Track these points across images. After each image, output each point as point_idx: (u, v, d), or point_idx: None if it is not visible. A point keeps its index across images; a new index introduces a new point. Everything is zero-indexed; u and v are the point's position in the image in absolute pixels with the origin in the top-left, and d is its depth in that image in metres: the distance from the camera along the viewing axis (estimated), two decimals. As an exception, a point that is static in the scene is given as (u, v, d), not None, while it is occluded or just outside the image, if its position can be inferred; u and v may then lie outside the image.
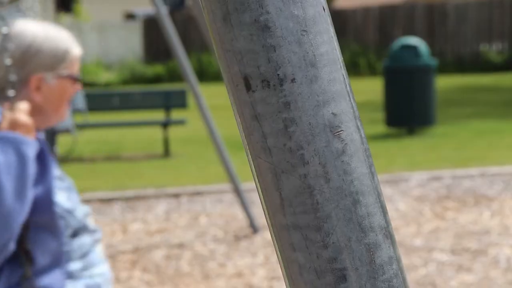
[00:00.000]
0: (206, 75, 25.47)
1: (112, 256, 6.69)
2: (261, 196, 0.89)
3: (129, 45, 30.55)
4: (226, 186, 8.50)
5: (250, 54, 0.85)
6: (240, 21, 0.85)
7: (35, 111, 2.90)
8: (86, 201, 8.92)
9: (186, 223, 7.79)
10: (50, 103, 3.12)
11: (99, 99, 13.50)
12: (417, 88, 13.45)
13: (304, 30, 0.85)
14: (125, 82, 27.86)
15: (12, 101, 3.00)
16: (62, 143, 10.09)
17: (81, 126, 12.53)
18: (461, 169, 9.91)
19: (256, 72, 0.84)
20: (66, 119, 9.16)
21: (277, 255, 0.90)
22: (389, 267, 0.87)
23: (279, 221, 0.86)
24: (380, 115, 14.34)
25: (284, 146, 0.83)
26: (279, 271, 6.04)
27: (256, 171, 0.88)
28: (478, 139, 12.71)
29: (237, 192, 7.21)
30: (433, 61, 14.16)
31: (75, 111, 11.35)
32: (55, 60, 3.05)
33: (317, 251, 0.84)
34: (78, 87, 3.33)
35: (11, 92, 2.90)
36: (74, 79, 3.17)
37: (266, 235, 7.04)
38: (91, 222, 3.29)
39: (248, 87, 0.85)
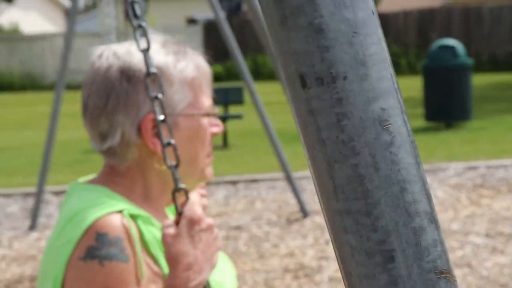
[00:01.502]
0: (260, 74, 25.52)
1: (176, 238, 6.72)
2: (316, 184, 0.89)
3: (190, 46, 30.62)
4: (279, 174, 8.51)
5: (306, 54, 0.85)
6: (296, 24, 0.85)
7: None
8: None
9: (242, 207, 7.81)
10: None
11: (164, 96, 13.52)
12: (454, 85, 13.43)
13: (355, 32, 0.85)
14: (187, 80, 27.91)
15: None
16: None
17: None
18: (495, 160, 9.82)
19: (311, 71, 0.84)
20: None
21: (330, 237, 0.89)
22: (434, 249, 0.86)
23: (332, 207, 0.86)
24: (420, 110, 14.29)
25: (337, 138, 0.83)
26: (327, 252, 6.04)
27: (311, 161, 0.88)
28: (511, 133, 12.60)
29: (289, 180, 7.21)
30: (469, 61, 14.13)
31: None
32: None
33: (367, 234, 0.83)
34: None
35: None
36: None
37: (315, 219, 7.04)
38: None
39: (303, 84, 0.85)
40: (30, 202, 8.15)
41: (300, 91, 0.85)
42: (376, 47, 0.86)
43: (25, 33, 34.83)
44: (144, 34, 1.77)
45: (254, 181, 9.16)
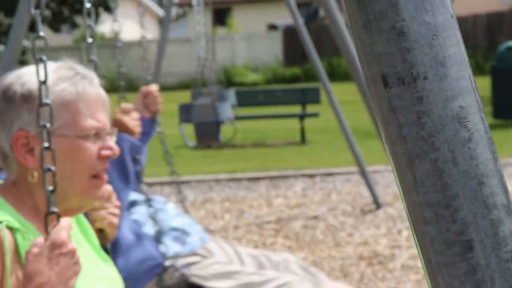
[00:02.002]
0: (336, 75, 25.41)
1: (259, 225, 6.76)
2: (397, 178, 0.88)
3: (271, 51, 30.75)
4: (353, 168, 8.45)
5: (388, 56, 0.84)
6: (379, 28, 0.84)
7: None
8: (237, 180, 9.05)
9: (319, 199, 7.79)
10: None
11: (247, 96, 13.61)
12: None
13: (435, 35, 0.83)
14: (268, 82, 28.08)
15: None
16: (225, 132, 10.30)
17: (236, 118, 12.68)
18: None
19: (392, 71, 0.83)
20: (227, 112, 9.22)
21: (410, 228, 0.88)
22: (511, 240, 0.84)
23: (413, 199, 0.85)
24: (488, 108, 14.08)
25: (417, 135, 0.82)
26: (399, 241, 5.98)
27: (392, 156, 0.87)
28: None
29: (363, 173, 7.17)
30: None
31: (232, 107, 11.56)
32: None
33: (446, 225, 0.82)
34: None
35: None
36: None
37: (387, 210, 6.98)
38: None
39: (385, 84, 0.84)
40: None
41: (382, 91, 0.84)
42: (455, 48, 0.85)
43: (124, 40, 35.41)
44: (44, 67, 1.70)
45: (330, 174, 9.12)
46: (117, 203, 2.20)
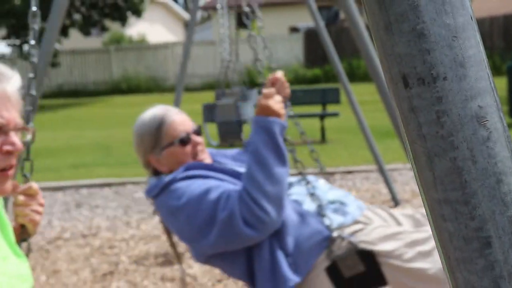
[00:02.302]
0: (355, 76, 25.41)
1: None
2: (416, 175, 0.88)
3: (293, 52, 30.80)
4: (372, 166, 8.43)
5: (408, 57, 0.83)
6: (400, 30, 0.83)
7: None
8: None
9: (339, 196, 7.78)
10: None
11: (270, 96, 13.62)
12: None
13: (455, 36, 0.83)
14: (290, 82, 28.00)
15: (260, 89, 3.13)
16: (247, 131, 10.34)
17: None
18: None
19: (413, 72, 0.83)
20: (250, 111, 9.26)
21: (429, 224, 0.88)
22: (529, 237, 0.83)
23: (432, 196, 0.84)
24: (504, 108, 14.03)
25: (436, 134, 0.81)
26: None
27: (412, 155, 0.87)
28: None
29: (381, 171, 7.15)
30: None
31: (255, 106, 11.57)
32: None
33: (465, 222, 0.81)
34: None
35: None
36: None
37: (405, 207, 6.96)
38: None
39: (406, 84, 0.83)
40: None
41: (402, 91, 0.84)
42: (475, 49, 0.85)
43: (151, 42, 35.55)
44: None
45: (350, 172, 9.12)
46: (42, 201, 2.17)
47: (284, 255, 2.82)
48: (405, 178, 8.31)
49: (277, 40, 31.28)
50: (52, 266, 5.72)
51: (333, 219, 2.91)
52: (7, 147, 1.81)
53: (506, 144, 0.84)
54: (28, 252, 2.17)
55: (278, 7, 38.59)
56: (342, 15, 29.61)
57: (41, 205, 2.15)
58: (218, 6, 7.77)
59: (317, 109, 13.35)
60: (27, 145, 1.96)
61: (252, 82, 24.36)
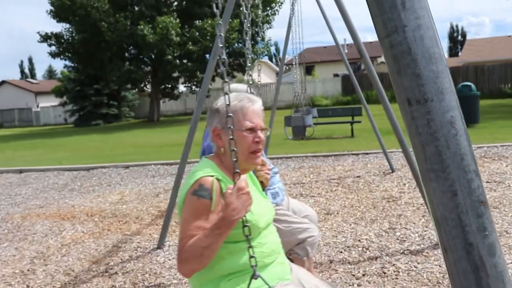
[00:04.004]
0: (370, 100, 24.67)
1: (329, 181, 6.74)
2: (416, 156, 0.87)
3: (335, 88, 30.43)
4: (380, 150, 8.22)
5: (410, 88, 0.84)
6: (406, 73, 0.84)
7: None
8: (316, 157, 8.95)
9: (361, 167, 7.67)
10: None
11: (322, 112, 13.46)
12: (470, 105, 12.40)
13: (437, 76, 0.83)
14: (333, 104, 27.78)
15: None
16: (309, 131, 10.33)
17: (315, 124, 12.65)
18: (492, 143, 8.94)
19: (413, 97, 0.84)
20: (310, 120, 9.02)
21: (421, 183, 0.88)
22: (478, 190, 0.83)
23: (424, 167, 0.85)
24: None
25: (427, 132, 0.83)
26: (404, 189, 5.69)
27: (413, 145, 0.88)
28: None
29: (384, 153, 7.01)
30: (477, 93, 12.96)
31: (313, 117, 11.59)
32: None
33: (442, 182, 0.81)
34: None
35: None
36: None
37: (398, 173, 6.75)
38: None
39: (409, 103, 0.84)
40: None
41: (407, 107, 0.85)
42: (448, 84, 0.85)
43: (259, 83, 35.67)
44: (228, 97, 1.73)
45: (367, 154, 9.00)
46: (269, 167, 2.26)
47: None
48: (398, 157, 8.12)
49: (327, 81, 31.09)
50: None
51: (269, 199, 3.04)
52: (256, 139, 1.85)
53: (466, 137, 0.84)
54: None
55: (328, 63, 38.39)
56: (363, 67, 29.14)
57: (268, 170, 2.24)
58: (294, 63, 7.91)
59: (348, 118, 13.22)
60: (266, 138, 1.98)
61: (313, 104, 24.13)
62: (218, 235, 1.63)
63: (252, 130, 1.85)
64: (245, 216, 1.66)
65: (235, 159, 1.67)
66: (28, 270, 4.17)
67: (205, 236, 1.64)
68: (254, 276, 1.64)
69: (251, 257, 1.63)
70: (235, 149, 1.67)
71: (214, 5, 1.79)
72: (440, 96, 0.82)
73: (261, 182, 2.17)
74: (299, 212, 3.21)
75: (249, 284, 1.65)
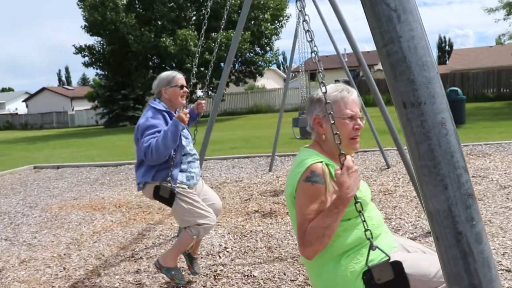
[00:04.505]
0: (368, 103, 24.50)
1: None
2: (410, 152, 0.86)
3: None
4: (376, 148, 8.14)
5: (405, 92, 0.83)
6: (402, 78, 0.83)
7: None
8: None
9: (360, 163, 7.60)
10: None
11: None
12: (456, 108, 12.15)
13: (429, 82, 0.82)
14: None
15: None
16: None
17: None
18: (477, 141, 8.80)
19: (408, 100, 0.83)
20: None
21: (415, 178, 0.87)
22: (467, 183, 0.82)
23: (417, 163, 0.84)
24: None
25: (420, 131, 0.81)
26: (398, 184, 5.65)
27: (407, 143, 0.87)
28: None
29: (381, 150, 6.94)
30: (463, 97, 12.73)
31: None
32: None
33: (434, 176, 0.81)
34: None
35: None
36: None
37: (393, 169, 6.68)
38: (192, 150, 3.16)
39: (405, 106, 0.83)
40: (269, 159, 8.37)
41: (403, 110, 0.84)
42: (439, 89, 0.84)
43: (268, 88, 35.70)
44: (324, 87, 1.69)
45: (365, 151, 8.88)
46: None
47: (156, 169, 2.98)
48: (393, 154, 8.03)
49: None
50: (220, 195, 5.89)
51: (181, 177, 3.04)
52: (356, 126, 1.81)
53: (455, 136, 0.83)
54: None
55: (330, 70, 38.27)
56: (361, 73, 29.01)
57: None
58: (300, 70, 7.89)
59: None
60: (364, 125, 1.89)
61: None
62: (337, 213, 1.59)
63: (352, 118, 1.81)
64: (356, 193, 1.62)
65: (339, 142, 1.60)
66: (65, 254, 4.20)
67: (324, 216, 1.60)
68: (372, 248, 1.57)
69: (366, 230, 1.57)
70: (337, 132, 1.61)
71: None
72: (432, 99, 0.82)
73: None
74: (208, 199, 3.25)
75: (367, 256, 1.59)
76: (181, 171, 3.04)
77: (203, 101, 3.38)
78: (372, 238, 1.57)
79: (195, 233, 3.00)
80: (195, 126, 3.57)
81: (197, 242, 3.25)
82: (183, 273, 3.35)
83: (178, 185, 2.99)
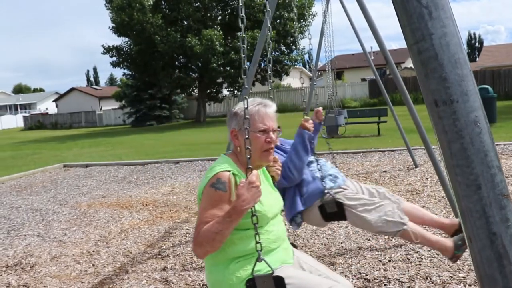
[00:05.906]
0: (395, 102, 24.06)
1: (357, 175, 6.62)
2: (441, 152, 0.85)
3: (363, 91, 29.90)
4: (404, 147, 8.02)
5: (437, 90, 0.82)
6: (433, 76, 0.82)
7: None
8: (346, 153, 8.82)
9: (387, 162, 7.51)
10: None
11: (352, 113, 13.29)
12: (487, 106, 11.90)
13: (462, 80, 0.81)
14: (362, 106, 27.30)
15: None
16: (340, 130, 10.18)
17: (345, 124, 12.43)
18: (509, 141, 8.59)
19: (440, 98, 0.82)
20: (342, 120, 8.89)
21: (447, 177, 0.85)
22: (501, 184, 0.80)
23: (449, 163, 0.82)
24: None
25: (453, 130, 0.80)
26: (426, 183, 5.56)
27: (439, 142, 0.85)
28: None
29: (409, 150, 6.84)
30: (495, 94, 12.43)
31: (344, 118, 11.42)
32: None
33: (467, 176, 0.79)
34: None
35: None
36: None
37: (421, 168, 6.57)
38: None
39: (436, 104, 0.82)
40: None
41: (434, 108, 0.83)
42: (472, 86, 0.83)
43: (294, 87, 35.60)
44: (246, 102, 1.70)
45: (392, 151, 8.81)
46: (280, 164, 2.22)
47: (299, 195, 2.82)
48: (420, 153, 7.91)
49: (356, 85, 30.54)
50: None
51: (328, 183, 2.82)
52: (268, 139, 1.89)
53: (489, 135, 0.82)
54: None
55: (356, 68, 37.79)
56: (388, 72, 28.57)
57: (280, 166, 2.22)
58: (327, 68, 7.79)
59: (375, 118, 12.94)
60: (277, 137, 1.98)
61: (343, 105, 23.70)
62: (229, 222, 1.67)
63: (265, 131, 1.89)
64: (254, 206, 1.69)
65: (248, 156, 1.71)
66: (93, 251, 4.30)
67: (218, 223, 1.68)
68: (258, 259, 1.69)
69: (257, 242, 1.68)
70: (249, 147, 1.71)
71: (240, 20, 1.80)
72: (465, 97, 0.80)
73: (273, 177, 2.15)
74: (369, 193, 3.00)
75: (254, 266, 1.70)
76: (322, 179, 2.91)
77: (320, 108, 3.28)
78: (262, 250, 1.68)
79: (395, 228, 2.70)
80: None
81: (413, 228, 2.77)
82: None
83: (333, 192, 2.82)
